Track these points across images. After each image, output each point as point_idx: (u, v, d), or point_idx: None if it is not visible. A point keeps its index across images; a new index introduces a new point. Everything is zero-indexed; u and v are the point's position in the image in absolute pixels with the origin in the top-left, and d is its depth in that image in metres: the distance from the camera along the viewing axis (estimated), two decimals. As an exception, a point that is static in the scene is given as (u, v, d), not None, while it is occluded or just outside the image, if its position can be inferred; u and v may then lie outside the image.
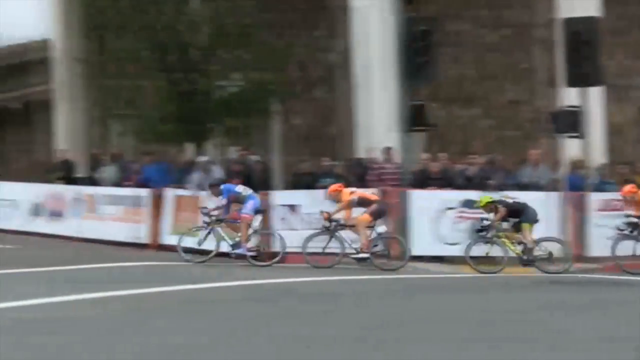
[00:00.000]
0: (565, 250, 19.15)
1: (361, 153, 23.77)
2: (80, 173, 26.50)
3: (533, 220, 18.91)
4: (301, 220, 20.66)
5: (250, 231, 19.42)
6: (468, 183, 21.10)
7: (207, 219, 19.56)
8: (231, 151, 25.06)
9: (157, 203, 22.37)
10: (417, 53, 21.25)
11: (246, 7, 24.56)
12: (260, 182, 21.45)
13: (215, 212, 19.48)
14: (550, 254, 18.92)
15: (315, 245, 19.14)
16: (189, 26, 24.53)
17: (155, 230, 22.28)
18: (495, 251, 18.94)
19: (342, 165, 22.95)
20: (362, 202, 19.26)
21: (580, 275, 18.52)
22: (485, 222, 18.99)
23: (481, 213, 19.23)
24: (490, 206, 18.96)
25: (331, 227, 19.24)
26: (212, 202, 20.12)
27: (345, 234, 19.30)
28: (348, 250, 19.30)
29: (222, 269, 18.38)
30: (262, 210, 19.84)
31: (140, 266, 18.26)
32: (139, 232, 22.45)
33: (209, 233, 19.55)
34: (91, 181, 24.92)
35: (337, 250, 19.22)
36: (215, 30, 24.66)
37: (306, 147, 26.87)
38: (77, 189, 23.96)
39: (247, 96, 25.01)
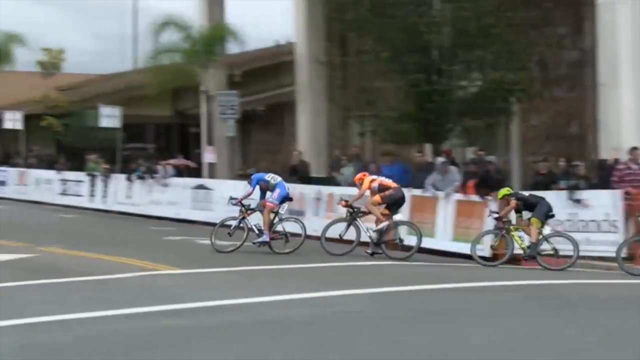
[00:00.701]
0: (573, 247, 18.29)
1: (605, 153, 22.94)
2: (320, 173, 27.03)
3: (542, 215, 18.41)
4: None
5: (276, 219, 19.72)
6: None
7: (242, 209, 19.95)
8: (469, 152, 24.79)
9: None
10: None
11: (488, 6, 24.21)
12: (495, 183, 21.04)
13: (245, 202, 19.94)
14: (556, 250, 18.32)
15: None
16: (430, 27, 24.43)
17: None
18: (502, 244, 18.76)
19: (585, 165, 22.21)
20: (383, 189, 19.76)
21: None
22: (494, 215, 18.85)
23: None
24: (508, 199, 18.74)
25: (354, 214, 19.86)
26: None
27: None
28: (363, 239, 19.70)
29: (471, 270, 18.17)
30: (291, 199, 20.09)
31: (386, 265, 18.42)
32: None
33: (239, 223, 19.77)
34: (330, 181, 25.35)
35: (353, 238, 19.65)
36: (456, 31, 24.45)
37: (546, 147, 26.27)
38: (317, 188, 24.35)
39: (487, 96, 24.68)
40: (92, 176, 33.05)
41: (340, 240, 19.91)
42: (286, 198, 19.88)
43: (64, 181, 34.75)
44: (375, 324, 10.82)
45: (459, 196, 21.17)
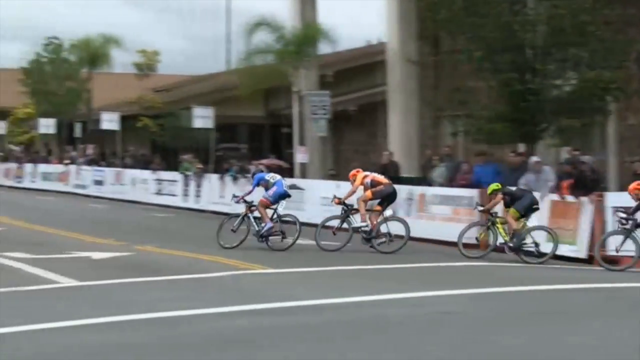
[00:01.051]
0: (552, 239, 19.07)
1: None
2: (411, 173, 26.84)
3: (522, 208, 19.14)
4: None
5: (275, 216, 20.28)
6: None
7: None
8: (564, 152, 24.38)
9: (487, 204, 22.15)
10: None
11: (584, 4, 23.80)
12: (590, 183, 20.68)
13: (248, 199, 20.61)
14: (537, 244, 19.07)
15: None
16: (524, 26, 24.12)
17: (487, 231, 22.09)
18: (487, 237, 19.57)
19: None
20: (375, 185, 20.44)
21: None
22: (479, 208, 19.95)
23: None
24: (496, 193, 19.59)
25: (347, 211, 20.51)
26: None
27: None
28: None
29: (559, 271, 17.90)
30: (288, 195, 20.61)
31: (479, 267, 18.30)
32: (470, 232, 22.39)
33: (242, 219, 20.48)
34: (422, 181, 25.22)
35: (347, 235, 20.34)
36: (551, 29, 24.09)
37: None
38: (409, 188, 24.22)
39: (582, 95, 24.26)
40: (186, 176, 33.44)
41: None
42: (284, 196, 20.52)
43: (159, 181, 35.23)
44: (468, 325, 10.71)
45: (553, 196, 20.90)
